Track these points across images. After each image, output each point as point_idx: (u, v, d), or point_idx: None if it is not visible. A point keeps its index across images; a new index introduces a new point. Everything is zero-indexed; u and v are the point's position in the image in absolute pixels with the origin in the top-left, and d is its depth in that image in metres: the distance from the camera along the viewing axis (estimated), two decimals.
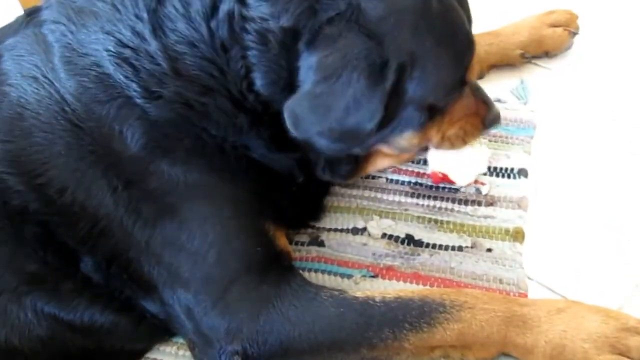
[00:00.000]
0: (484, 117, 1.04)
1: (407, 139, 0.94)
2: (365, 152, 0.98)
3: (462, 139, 1.04)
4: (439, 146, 1.03)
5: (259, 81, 0.87)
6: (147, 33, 0.87)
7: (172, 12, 0.87)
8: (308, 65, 0.82)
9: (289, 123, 0.83)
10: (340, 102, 0.81)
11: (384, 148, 0.98)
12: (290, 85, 0.84)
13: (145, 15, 0.87)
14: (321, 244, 1.15)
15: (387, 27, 0.82)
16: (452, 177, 1.17)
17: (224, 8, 0.85)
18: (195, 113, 0.88)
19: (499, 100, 1.34)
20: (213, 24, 0.85)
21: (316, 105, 0.82)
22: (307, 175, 1.02)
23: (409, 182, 1.23)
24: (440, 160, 1.15)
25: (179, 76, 0.87)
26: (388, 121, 0.87)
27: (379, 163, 1.05)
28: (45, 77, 0.90)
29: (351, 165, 1.02)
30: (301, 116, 0.82)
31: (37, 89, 0.90)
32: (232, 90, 0.88)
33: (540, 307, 0.91)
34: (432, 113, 0.93)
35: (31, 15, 0.98)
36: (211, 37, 0.86)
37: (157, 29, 0.87)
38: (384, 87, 0.82)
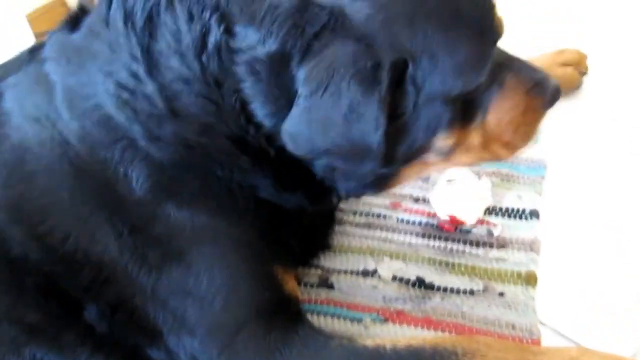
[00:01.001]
0: (543, 99, 0.94)
1: (442, 139, 0.87)
2: (406, 166, 0.91)
3: (525, 140, 0.96)
4: (502, 154, 0.95)
5: (259, 112, 0.83)
6: (141, 73, 0.84)
7: (164, 48, 0.84)
8: (300, 82, 0.79)
9: (288, 145, 0.80)
10: (336, 114, 0.76)
11: (427, 157, 0.90)
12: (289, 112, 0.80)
13: (139, 54, 0.84)
14: (330, 286, 1.14)
15: (376, 26, 0.77)
16: (460, 216, 1.16)
17: (211, 40, 0.81)
18: (196, 154, 0.86)
19: None
20: (204, 59, 0.82)
21: (310, 120, 0.78)
22: (315, 204, 0.99)
23: (420, 223, 1.22)
24: (445, 203, 1.15)
25: (176, 117, 0.84)
26: (410, 124, 0.82)
27: (424, 171, 0.98)
28: (48, 119, 0.88)
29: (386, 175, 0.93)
30: (297, 135, 0.79)
31: (39, 130, 0.88)
32: (231, 126, 0.85)
33: (553, 356, 0.88)
34: (467, 107, 0.86)
35: (34, 52, 0.96)
36: (203, 73, 0.82)
37: (152, 67, 0.84)
38: (380, 90, 0.75)
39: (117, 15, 0.87)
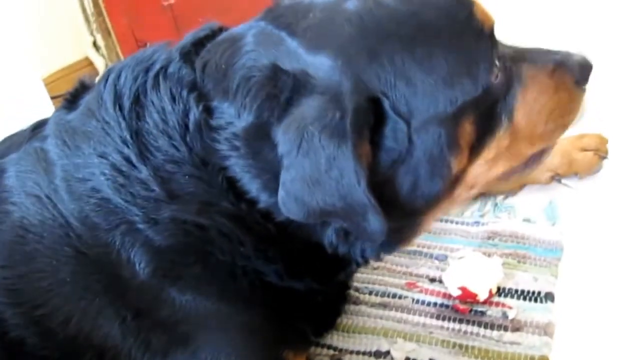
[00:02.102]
0: (572, 78, 0.88)
1: (456, 163, 0.80)
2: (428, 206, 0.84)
3: (561, 126, 0.90)
4: (522, 158, 0.90)
5: (251, 187, 0.81)
6: (134, 158, 0.83)
7: (152, 129, 0.83)
8: (279, 146, 0.76)
9: (282, 210, 0.76)
10: (316, 172, 0.72)
11: (453, 193, 0.85)
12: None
13: (128, 138, 0.84)
14: None
15: (338, 73, 0.74)
16: (471, 289, 1.16)
17: (192, 120, 0.81)
18: (195, 238, 0.84)
19: (529, 220, 1.35)
20: (188, 139, 0.82)
21: (294, 180, 0.74)
22: (325, 285, 0.96)
23: (435, 304, 1.22)
24: (456, 277, 1.16)
25: (173, 199, 0.82)
26: (409, 161, 0.77)
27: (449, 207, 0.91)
28: (48, 198, 0.86)
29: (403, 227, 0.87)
30: (286, 197, 0.74)
31: (40, 209, 0.86)
32: (225, 206, 0.83)
33: None
34: (489, 116, 0.81)
35: (36, 129, 0.96)
36: (190, 153, 0.82)
37: (144, 150, 0.83)
38: (350, 140, 0.71)
39: (108, 96, 0.87)
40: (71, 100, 0.95)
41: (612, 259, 1.23)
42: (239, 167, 0.81)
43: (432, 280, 1.27)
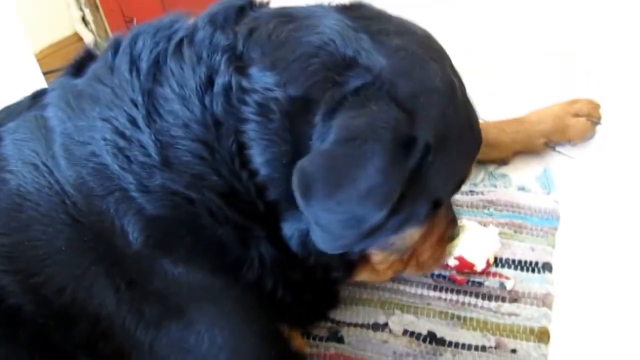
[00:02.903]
0: (448, 236, 1.03)
1: (409, 235, 0.88)
2: (357, 255, 0.92)
3: (434, 264, 1.04)
4: (411, 268, 1.02)
5: (257, 158, 0.80)
6: (140, 120, 0.82)
7: (168, 94, 0.82)
8: (326, 130, 0.76)
9: (297, 186, 0.74)
10: (357, 171, 0.73)
11: (377, 250, 0.91)
12: (294, 162, 0.76)
13: (140, 99, 0.83)
14: (340, 339, 1.13)
15: (418, 104, 0.78)
16: (468, 258, 1.16)
17: (219, 81, 0.80)
18: (185, 212, 0.83)
19: (524, 189, 1.34)
20: (207, 100, 0.80)
21: (331, 166, 0.74)
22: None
23: (432, 275, 1.21)
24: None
25: (166, 167, 0.81)
26: (397, 211, 0.79)
27: (363, 273, 0.98)
28: (45, 165, 0.85)
29: (342, 270, 0.96)
30: (311, 175, 0.74)
31: (36, 177, 0.85)
32: (222, 174, 0.82)
33: None
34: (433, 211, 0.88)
35: (36, 97, 0.95)
36: (203, 113, 0.81)
37: (153, 113, 0.82)
38: (407, 165, 0.75)
39: (122, 61, 0.86)
40: (77, 67, 0.93)
41: (609, 227, 1.23)
42: (257, 132, 0.79)
43: None
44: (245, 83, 0.79)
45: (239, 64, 0.81)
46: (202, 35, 0.84)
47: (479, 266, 1.16)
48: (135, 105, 0.83)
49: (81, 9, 2.58)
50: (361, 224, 0.75)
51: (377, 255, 0.93)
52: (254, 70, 0.80)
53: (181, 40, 0.84)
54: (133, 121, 0.82)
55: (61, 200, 0.84)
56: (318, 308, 1.08)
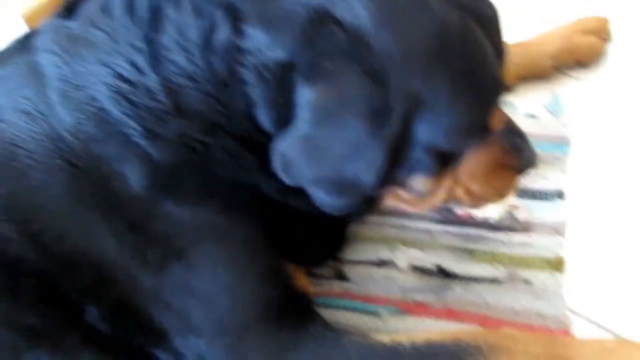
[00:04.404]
0: (517, 164, 0.93)
1: (418, 182, 0.85)
2: (376, 194, 0.89)
3: (493, 196, 0.95)
4: (465, 201, 0.93)
5: (263, 118, 0.79)
6: (144, 65, 0.80)
7: (168, 42, 0.79)
8: (303, 102, 0.75)
9: (278, 167, 0.77)
10: (337, 147, 0.74)
11: (398, 190, 0.89)
12: (288, 123, 0.77)
13: (143, 46, 0.80)
14: (345, 277, 1.08)
15: (394, 65, 0.73)
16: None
17: (218, 38, 0.77)
18: (198, 156, 0.81)
19: (532, 116, 1.27)
20: (210, 57, 0.78)
21: (310, 148, 0.75)
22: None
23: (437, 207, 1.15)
24: None
25: (180, 113, 0.80)
26: (393, 164, 0.78)
27: (393, 202, 0.95)
28: (39, 112, 0.83)
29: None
30: (292, 161, 0.75)
31: (30, 124, 0.83)
32: (237, 127, 0.81)
33: (586, 348, 0.82)
34: (446, 160, 0.84)
35: (25, 41, 0.92)
36: (209, 71, 0.78)
37: (155, 59, 0.80)
38: (388, 133, 0.74)
39: (117, 4, 0.83)
40: (68, 9, 0.90)
41: (623, 150, 1.17)
42: (258, 95, 0.78)
43: None
44: (240, 43, 0.77)
45: (236, 20, 0.77)
46: None
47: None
48: (137, 50, 0.81)
49: None
50: (354, 189, 0.77)
51: (402, 193, 0.90)
52: (247, 29, 0.77)
53: None
54: (136, 66, 0.80)
55: (57, 146, 0.82)
56: (327, 246, 1.05)
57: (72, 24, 0.87)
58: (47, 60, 0.86)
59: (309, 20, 0.74)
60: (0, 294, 0.82)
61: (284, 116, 0.77)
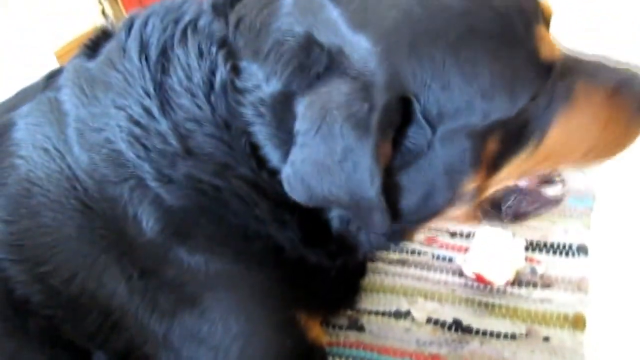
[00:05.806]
0: (633, 103, 0.75)
1: (470, 179, 0.75)
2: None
3: (615, 149, 0.80)
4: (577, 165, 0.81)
5: (273, 157, 0.78)
6: (155, 110, 0.80)
7: (176, 85, 0.80)
8: (298, 118, 0.73)
9: (285, 187, 0.74)
10: (329, 159, 0.69)
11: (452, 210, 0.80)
12: None
13: (151, 90, 0.80)
14: (361, 328, 1.07)
15: (375, 61, 0.69)
16: (487, 277, 1.08)
17: (218, 79, 0.77)
18: (209, 199, 0.80)
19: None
20: (213, 99, 0.78)
21: (304, 160, 0.71)
22: (344, 258, 0.91)
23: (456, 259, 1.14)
24: (474, 260, 1.07)
25: (190, 155, 0.79)
26: (425, 168, 0.72)
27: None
28: (57, 150, 0.84)
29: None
30: (292, 175, 0.72)
31: (47, 162, 0.83)
32: (245, 168, 0.79)
33: None
34: (515, 135, 0.73)
35: (50, 79, 0.93)
36: (213, 113, 0.78)
37: (165, 104, 0.80)
38: (371, 137, 0.67)
39: (132, 45, 0.84)
40: (91, 47, 0.90)
41: None
42: (262, 134, 0.77)
43: (453, 234, 1.20)
44: (237, 82, 0.77)
45: (233, 59, 0.78)
46: (204, 22, 0.81)
47: (498, 283, 1.09)
48: (148, 96, 0.81)
49: (100, 2, 2.65)
50: (370, 207, 0.71)
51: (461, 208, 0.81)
52: (244, 65, 0.78)
53: (187, 26, 0.81)
54: (148, 111, 0.80)
55: (72, 186, 0.82)
56: (342, 294, 1.03)
57: (92, 65, 0.87)
58: (67, 99, 0.86)
59: (299, 49, 0.74)
60: (10, 332, 0.82)
61: (290, 147, 0.74)
